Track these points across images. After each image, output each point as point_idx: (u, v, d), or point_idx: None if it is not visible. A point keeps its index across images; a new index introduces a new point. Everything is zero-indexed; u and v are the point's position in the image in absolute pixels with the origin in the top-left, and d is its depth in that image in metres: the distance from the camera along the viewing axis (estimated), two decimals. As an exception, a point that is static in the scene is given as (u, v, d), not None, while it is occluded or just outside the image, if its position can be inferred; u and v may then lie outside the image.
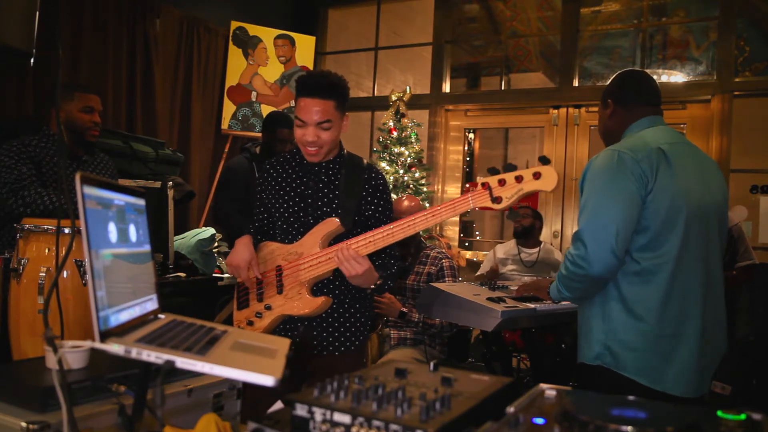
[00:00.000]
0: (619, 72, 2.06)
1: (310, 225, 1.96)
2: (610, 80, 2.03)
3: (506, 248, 4.44)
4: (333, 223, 1.92)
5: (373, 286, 1.91)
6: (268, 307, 1.98)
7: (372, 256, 1.95)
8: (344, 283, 1.99)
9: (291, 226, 2.02)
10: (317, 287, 1.98)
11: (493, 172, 1.68)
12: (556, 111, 5.33)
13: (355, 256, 1.79)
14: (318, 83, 1.87)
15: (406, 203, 3.24)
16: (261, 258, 2.03)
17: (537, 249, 4.34)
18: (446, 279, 3.09)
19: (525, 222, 4.34)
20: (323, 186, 2.00)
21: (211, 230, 3.93)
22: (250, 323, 2.00)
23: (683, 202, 1.75)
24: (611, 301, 1.77)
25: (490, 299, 2.16)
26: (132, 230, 1.13)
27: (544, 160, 1.64)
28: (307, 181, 2.02)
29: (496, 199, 1.66)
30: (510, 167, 1.66)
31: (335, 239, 1.92)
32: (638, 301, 1.74)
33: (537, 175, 1.62)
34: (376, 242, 1.82)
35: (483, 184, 1.68)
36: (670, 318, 1.73)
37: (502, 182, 1.65)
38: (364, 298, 2.08)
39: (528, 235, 4.34)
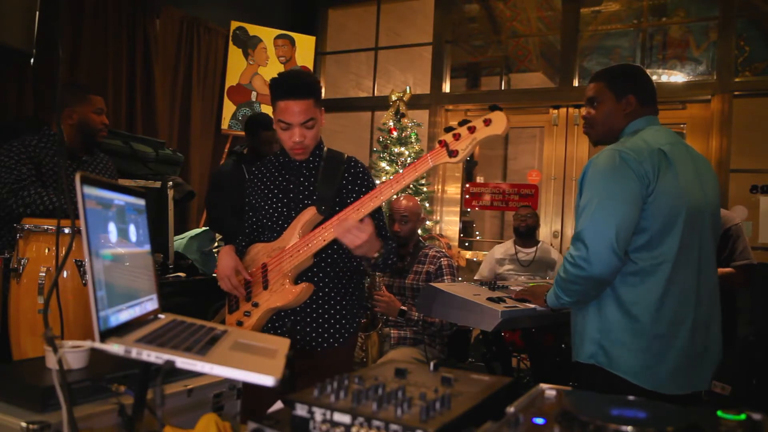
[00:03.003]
0: (627, 65, 1.97)
1: (293, 220, 1.99)
2: (616, 71, 1.93)
3: (504, 248, 4.45)
4: (310, 212, 1.95)
5: (377, 255, 1.87)
6: (255, 305, 1.99)
7: None
8: (328, 275, 2.01)
9: (275, 223, 2.05)
10: (306, 278, 1.98)
11: (448, 130, 1.71)
12: (556, 111, 5.33)
13: (356, 225, 1.74)
14: (296, 84, 1.91)
15: (404, 202, 3.25)
16: (249, 259, 2.06)
17: (534, 248, 4.35)
18: (445, 278, 3.09)
19: (530, 222, 4.36)
20: (304, 180, 2.04)
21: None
22: (240, 323, 2.01)
23: (683, 203, 1.75)
24: (607, 301, 1.77)
25: (490, 299, 2.15)
26: (132, 230, 1.13)
27: (494, 108, 1.67)
28: (290, 178, 2.06)
29: (452, 153, 1.69)
30: (464, 122, 1.69)
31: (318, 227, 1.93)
32: (634, 302, 1.73)
33: (488, 122, 1.65)
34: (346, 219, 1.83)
35: (440, 142, 1.72)
36: (665, 318, 1.73)
37: (457, 136, 1.68)
38: (352, 293, 2.08)
39: (530, 234, 4.36)
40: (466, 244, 5.91)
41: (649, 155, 1.73)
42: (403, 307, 3.00)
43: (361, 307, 2.15)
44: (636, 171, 1.71)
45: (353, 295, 2.09)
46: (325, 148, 2.08)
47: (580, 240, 1.72)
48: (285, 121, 1.91)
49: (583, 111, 1.97)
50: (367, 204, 1.81)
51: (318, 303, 2.01)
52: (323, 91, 6.11)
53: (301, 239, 1.92)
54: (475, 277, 4.50)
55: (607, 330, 1.76)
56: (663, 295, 1.72)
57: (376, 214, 2.02)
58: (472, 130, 1.67)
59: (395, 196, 4.62)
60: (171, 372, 0.89)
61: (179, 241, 3.77)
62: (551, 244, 4.80)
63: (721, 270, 3.08)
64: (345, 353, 2.08)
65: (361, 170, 2.05)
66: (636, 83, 1.89)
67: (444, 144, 1.70)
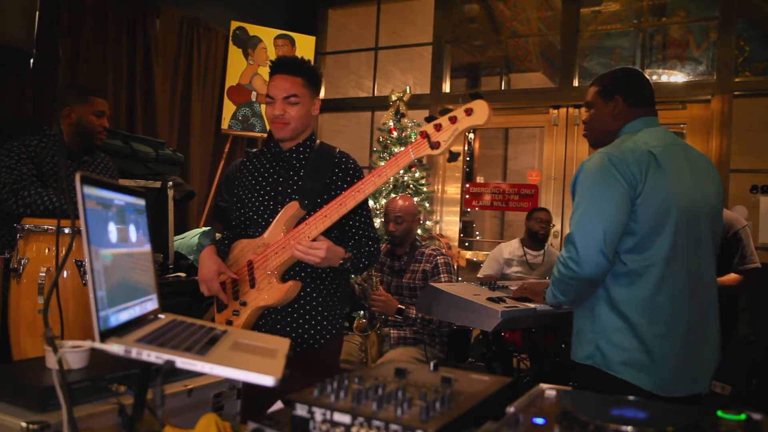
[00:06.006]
0: (622, 68, 2.01)
1: (278, 213, 1.97)
2: (609, 74, 1.98)
3: (511, 248, 4.42)
4: (293, 207, 1.93)
5: (342, 262, 1.89)
6: (243, 303, 1.97)
7: (342, 238, 1.98)
8: (312, 273, 2.00)
9: (261, 217, 2.03)
10: (290, 276, 1.97)
11: (430, 119, 1.68)
12: (556, 111, 5.33)
13: (309, 245, 1.80)
14: (286, 61, 1.96)
15: (400, 202, 3.24)
16: (233, 258, 2.04)
17: (542, 251, 4.34)
18: (442, 276, 3.09)
19: (549, 228, 4.36)
20: (293, 173, 2.01)
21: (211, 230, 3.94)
22: (229, 323, 1.99)
23: (674, 205, 1.75)
24: (599, 302, 1.80)
25: (490, 299, 2.15)
26: (132, 230, 1.13)
27: (475, 96, 1.63)
28: (279, 169, 2.03)
29: (434, 145, 1.67)
30: (445, 111, 1.66)
31: (301, 222, 1.91)
32: (625, 302, 1.76)
33: (469, 111, 1.62)
34: (330, 215, 1.82)
35: (421, 133, 1.69)
36: (659, 319, 1.73)
37: (438, 127, 1.66)
38: (334, 294, 2.06)
39: (546, 239, 4.36)
40: (466, 244, 5.91)
41: (635, 158, 1.75)
42: (401, 306, 3.00)
43: (344, 307, 2.12)
44: (622, 174, 1.73)
45: (335, 295, 2.07)
46: (318, 141, 2.06)
47: (571, 242, 1.77)
48: (270, 95, 1.94)
49: (584, 115, 2.04)
50: (350, 199, 1.81)
51: (300, 303, 1.99)
52: (323, 90, 6.11)
53: (285, 236, 1.90)
54: (478, 275, 4.48)
55: (601, 330, 1.78)
56: (654, 296, 1.74)
57: (360, 210, 2.00)
58: (453, 120, 1.64)
59: (392, 195, 4.64)
60: (171, 372, 0.89)
61: (179, 241, 3.77)
62: (551, 244, 4.80)
63: (728, 278, 3.10)
64: (329, 353, 2.06)
65: (351, 166, 2.03)
66: (625, 84, 1.92)
67: (425, 135, 1.68)
